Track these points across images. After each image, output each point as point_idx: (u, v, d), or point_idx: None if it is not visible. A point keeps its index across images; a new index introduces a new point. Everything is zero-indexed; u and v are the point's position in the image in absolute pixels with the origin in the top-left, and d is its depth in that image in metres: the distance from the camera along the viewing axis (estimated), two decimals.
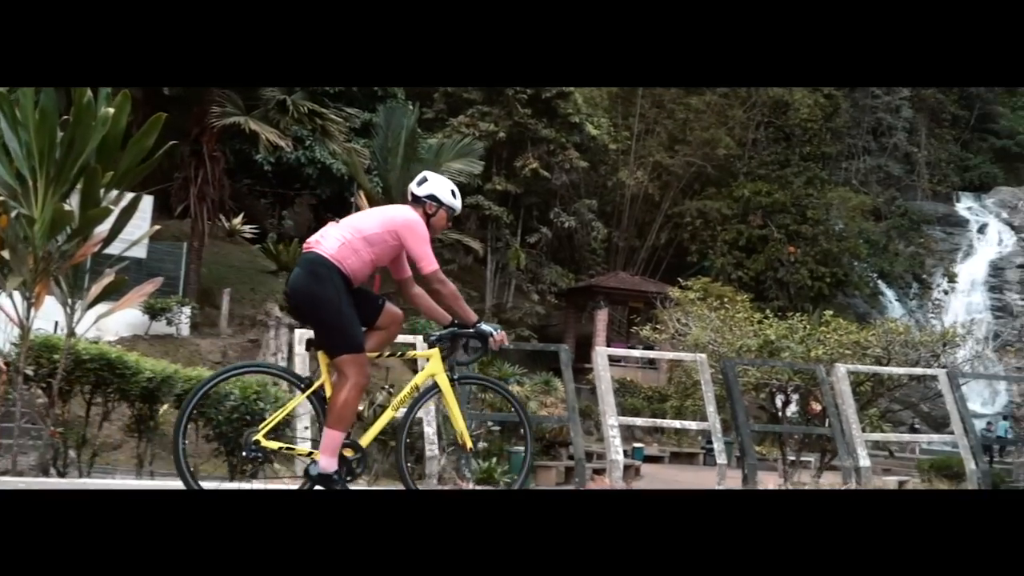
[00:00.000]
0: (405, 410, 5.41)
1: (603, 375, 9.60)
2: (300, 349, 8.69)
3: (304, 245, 5.09)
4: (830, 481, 9.85)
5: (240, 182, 23.04)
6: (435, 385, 5.39)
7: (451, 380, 5.31)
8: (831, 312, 18.74)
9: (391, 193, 19.04)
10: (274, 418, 5.19)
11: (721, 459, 9.91)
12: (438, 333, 5.48)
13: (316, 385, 5.03)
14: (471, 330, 5.41)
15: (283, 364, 14.71)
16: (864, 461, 10.00)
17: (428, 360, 5.37)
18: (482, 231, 26.76)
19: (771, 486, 8.97)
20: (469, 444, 5.51)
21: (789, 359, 15.08)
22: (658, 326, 19.86)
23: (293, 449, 5.20)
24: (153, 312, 17.05)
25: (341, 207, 21.29)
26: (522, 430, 5.73)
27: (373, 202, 17.08)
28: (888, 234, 41.57)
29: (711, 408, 10.21)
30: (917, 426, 29.44)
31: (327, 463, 4.77)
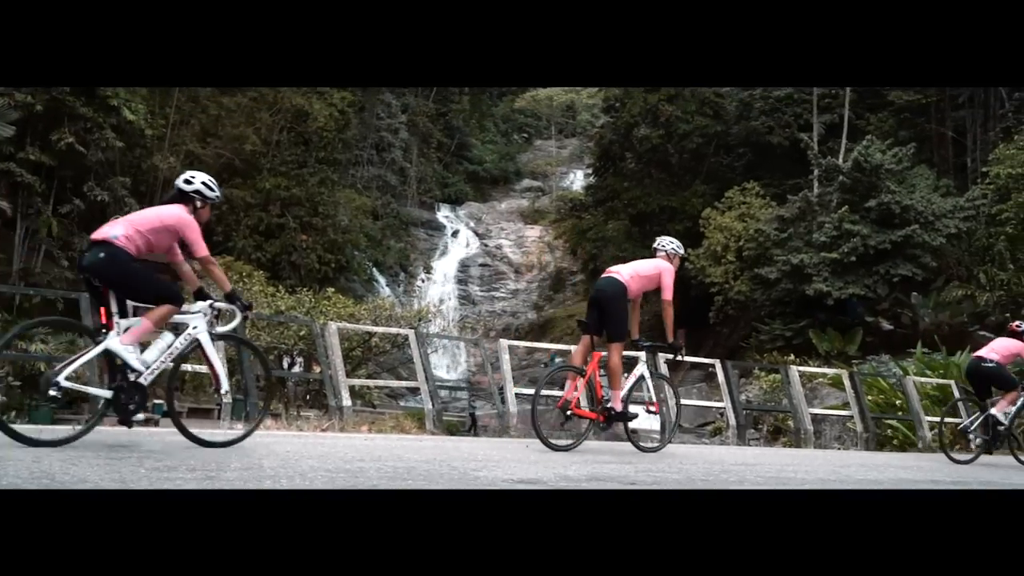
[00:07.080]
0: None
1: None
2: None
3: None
4: (325, 426, 10.19)
5: None
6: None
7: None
8: (333, 290, 20.52)
9: None
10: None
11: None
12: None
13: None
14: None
15: None
16: (347, 402, 10.57)
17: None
18: (13, 197, 24.58)
19: (274, 431, 8.97)
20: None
21: (295, 326, 16.45)
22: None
23: None
24: None
25: None
26: None
27: None
28: (383, 231, 43.83)
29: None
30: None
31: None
